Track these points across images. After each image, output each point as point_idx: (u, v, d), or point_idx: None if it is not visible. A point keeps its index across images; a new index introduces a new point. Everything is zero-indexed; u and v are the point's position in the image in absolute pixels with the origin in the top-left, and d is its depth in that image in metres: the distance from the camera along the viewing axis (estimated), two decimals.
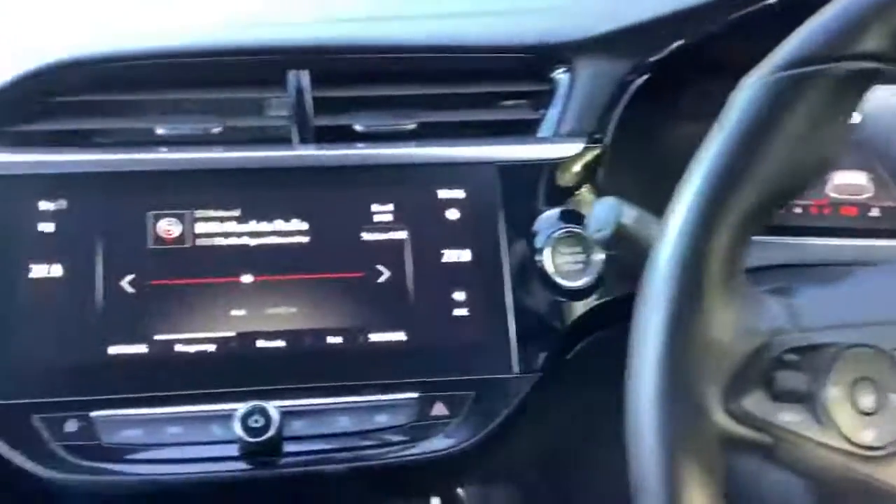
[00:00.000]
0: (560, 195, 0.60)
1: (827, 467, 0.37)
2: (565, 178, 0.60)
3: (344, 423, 0.54)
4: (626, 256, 0.44)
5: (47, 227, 0.55)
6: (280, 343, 0.55)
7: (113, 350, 0.54)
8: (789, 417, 0.36)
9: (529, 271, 0.58)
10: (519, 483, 0.69)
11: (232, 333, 0.55)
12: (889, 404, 0.37)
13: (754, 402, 0.36)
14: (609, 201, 0.46)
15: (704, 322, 0.36)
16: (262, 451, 0.52)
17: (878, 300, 0.39)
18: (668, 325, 0.35)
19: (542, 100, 0.62)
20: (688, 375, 0.35)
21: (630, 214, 0.44)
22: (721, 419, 0.36)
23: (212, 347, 0.55)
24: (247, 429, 0.51)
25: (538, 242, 0.58)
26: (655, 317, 0.36)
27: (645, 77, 0.61)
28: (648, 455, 0.35)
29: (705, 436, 0.35)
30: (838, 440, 0.37)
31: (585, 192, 0.60)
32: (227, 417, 0.53)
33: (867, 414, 0.37)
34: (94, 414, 0.53)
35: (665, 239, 0.37)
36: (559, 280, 0.58)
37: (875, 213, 0.64)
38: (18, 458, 0.52)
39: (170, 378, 0.54)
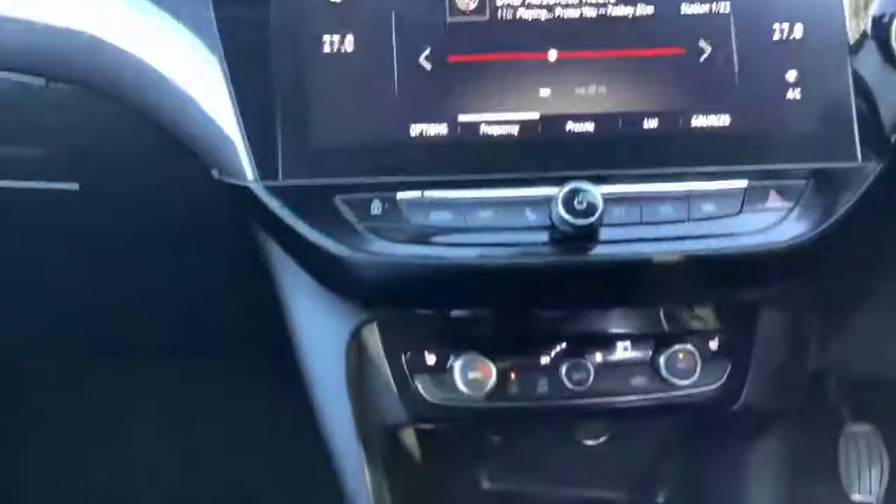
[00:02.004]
0: None
1: None
2: None
3: (667, 212, 0.50)
4: None
5: None
6: (590, 126, 0.50)
7: (415, 130, 0.50)
8: None
9: (873, 50, 0.51)
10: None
11: (537, 115, 0.50)
12: None
13: None
14: None
15: None
16: (581, 235, 0.48)
17: None
18: None
19: None
20: None
21: None
22: None
23: (517, 129, 0.50)
24: (570, 211, 0.47)
25: (885, 17, 0.51)
26: None
27: None
28: None
29: None
30: None
31: None
32: (541, 202, 0.49)
33: None
34: (400, 196, 0.50)
35: None
36: None
37: None
38: (323, 240, 0.50)
39: (475, 160, 0.50)
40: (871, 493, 1.02)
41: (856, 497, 1.03)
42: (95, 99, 0.56)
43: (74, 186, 0.66)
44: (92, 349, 0.81)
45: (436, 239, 0.50)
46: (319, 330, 0.62)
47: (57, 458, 0.98)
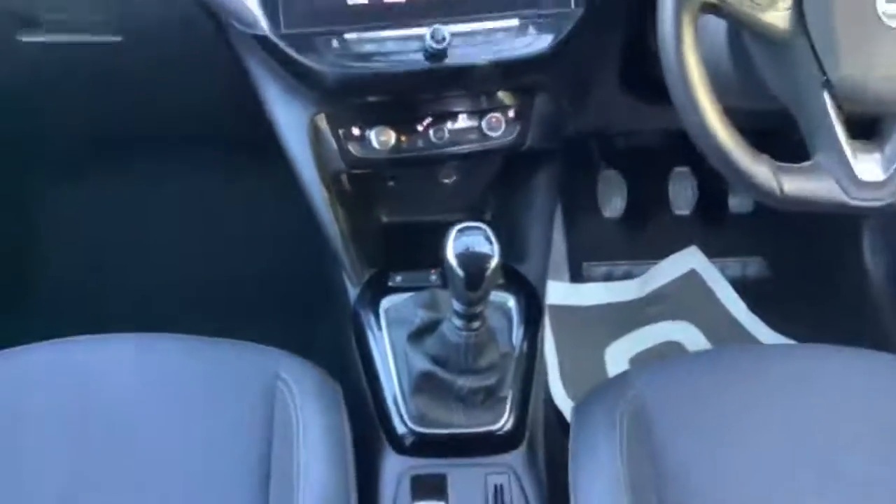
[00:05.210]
0: None
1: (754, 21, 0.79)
2: None
3: (480, 39, 0.94)
4: None
5: None
6: None
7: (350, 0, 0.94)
8: None
9: None
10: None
11: None
12: None
13: None
14: None
15: None
16: (439, 53, 0.93)
17: None
18: None
19: None
20: None
21: None
22: None
23: None
24: (434, 40, 0.92)
25: None
26: None
27: None
28: (667, 12, 0.77)
29: (694, 2, 0.78)
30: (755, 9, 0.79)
31: None
32: (420, 37, 0.91)
33: None
34: (346, 36, 0.92)
35: None
36: None
37: None
38: (309, 61, 0.92)
39: (386, 15, 0.93)
40: (616, 211, 1.63)
41: (606, 213, 1.63)
42: None
43: (119, 39, 1.05)
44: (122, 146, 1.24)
45: (366, 59, 0.94)
46: (292, 120, 1.04)
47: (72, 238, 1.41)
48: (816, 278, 1.56)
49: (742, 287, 1.58)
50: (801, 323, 1.45)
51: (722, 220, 1.61)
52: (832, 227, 1.53)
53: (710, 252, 1.59)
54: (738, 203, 1.60)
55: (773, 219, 1.59)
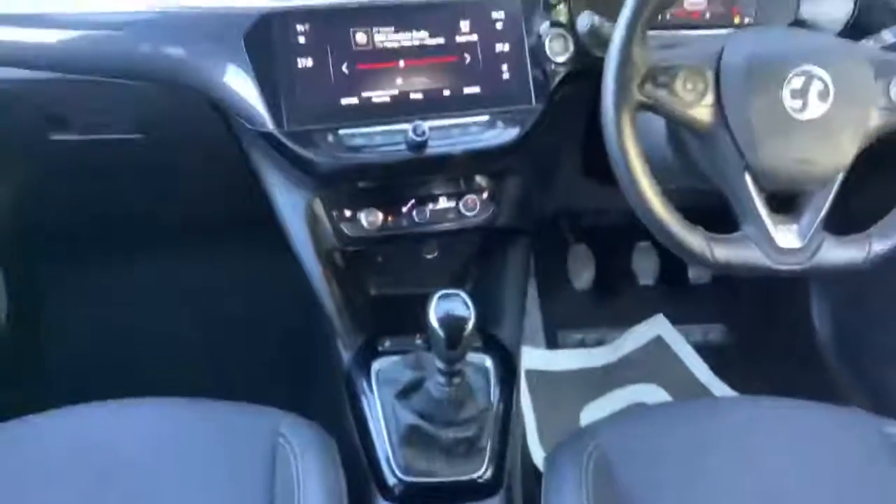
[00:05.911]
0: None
1: (683, 116, 0.94)
2: None
3: (456, 132, 1.09)
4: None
5: None
6: (420, 95, 1.09)
7: (343, 101, 1.08)
8: (662, 93, 0.93)
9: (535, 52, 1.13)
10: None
11: (397, 91, 1.09)
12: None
13: (648, 90, 0.93)
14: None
15: (630, 60, 0.92)
16: (420, 144, 1.07)
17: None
18: (617, 61, 0.92)
19: None
20: (624, 79, 0.92)
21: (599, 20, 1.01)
22: (637, 96, 0.93)
23: (389, 98, 1.08)
24: (415, 133, 1.06)
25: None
26: (612, 62, 0.92)
27: None
28: (609, 109, 0.92)
29: (631, 102, 0.93)
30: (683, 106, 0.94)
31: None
32: (403, 131, 1.06)
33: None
34: (341, 132, 1.07)
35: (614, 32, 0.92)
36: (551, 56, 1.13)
37: (708, 16, 1.21)
38: (308, 154, 1.06)
39: (373, 113, 1.08)
40: (586, 282, 1.77)
41: (577, 285, 1.76)
42: (166, 89, 1.10)
43: (140, 136, 1.19)
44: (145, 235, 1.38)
45: (357, 151, 1.08)
46: (290, 205, 1.18)
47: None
48: (771, 341, 1.69)
49: (704, 351, 1.71)
50: (759, 382, 1.58)
51: (684, 290, 1.76)
52: (784, 295, 1.67)
53: (675, 319, 1.73)
54: (697, 274, 1.74)
55: (730, 288, 1.73)
